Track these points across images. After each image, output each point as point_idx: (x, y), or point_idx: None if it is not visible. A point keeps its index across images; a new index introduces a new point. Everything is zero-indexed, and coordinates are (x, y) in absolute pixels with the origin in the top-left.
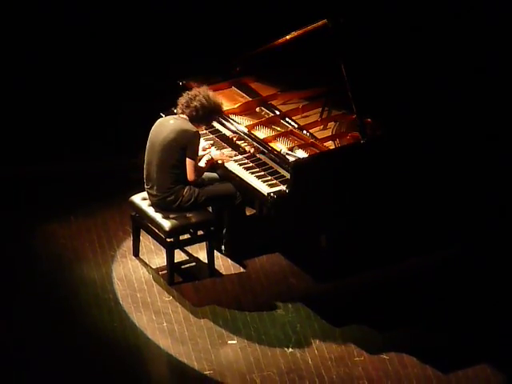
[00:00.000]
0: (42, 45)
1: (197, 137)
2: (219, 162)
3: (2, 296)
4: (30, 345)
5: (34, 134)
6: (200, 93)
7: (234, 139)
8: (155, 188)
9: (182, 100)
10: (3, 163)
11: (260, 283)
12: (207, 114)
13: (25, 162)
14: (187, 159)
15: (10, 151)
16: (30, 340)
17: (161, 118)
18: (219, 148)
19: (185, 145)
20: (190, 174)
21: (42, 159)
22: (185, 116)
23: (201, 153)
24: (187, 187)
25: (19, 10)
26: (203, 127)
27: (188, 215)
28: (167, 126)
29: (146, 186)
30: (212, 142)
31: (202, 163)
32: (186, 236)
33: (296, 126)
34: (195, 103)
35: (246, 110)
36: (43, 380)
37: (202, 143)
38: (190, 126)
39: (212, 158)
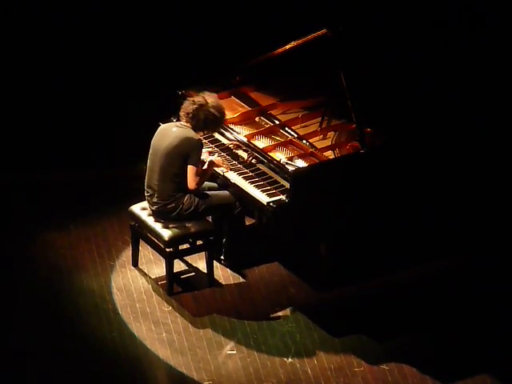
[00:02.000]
0: (43, 54)
1: (200, 145)
2: (219, 167)
3: (0, 305)
4: (28, 354)
5: (34, 142)
6: (207, 102)
7: (234, 149)
8: (156, 195)
9: (188, 108)
10: (3, 171)
11: (259, 293)
12: (214, 125)
13: (24, 170)
14: (188, 166)
15: (9, 159)
16: (29, 349)
17: (163, 125)
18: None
19: (187, 153)
20: (191, 182)
21: (41, 168)
22: (188, 124)
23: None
24: (187, 195)
25: (21, 15)
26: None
27: (187, 225)
28: (170, 133)
29: (145, 194)
30: (211, 151)
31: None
32: (186, 246)
33: (295, 135)
34: (201, 114)
35: (245, 120)
36: None
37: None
38: (193, 134)
39: (212, 161)
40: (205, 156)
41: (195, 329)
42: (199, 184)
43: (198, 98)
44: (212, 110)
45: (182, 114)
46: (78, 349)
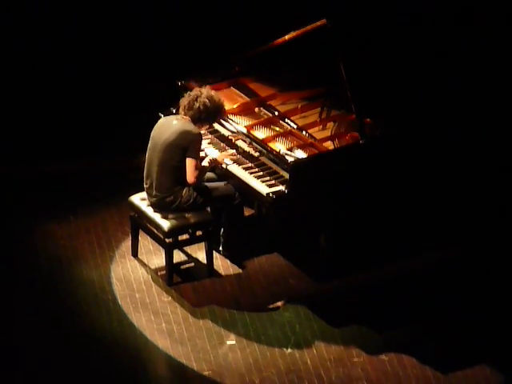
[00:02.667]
0: (44, 45)
1: (199, 138)
2: (223, 165)
3: (0, 296)
4: (29, 345)
5: (34, 134)
6: (202, 93)
7: (233, 140)
8: (154, 188)
9: (185, 101)
10: (3, 163)
11: (259, 284)
12: (210, 115)
13: (24, 161)
14: (187, 159)
15: (9, 151)
16: (29, 340)
17: (163, 118)
18: (219, 149)
19: (186, 146)
20: (190, 175)
21: (41, 159)
22: (187, 117)
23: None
24: (186, 188)
25: (23, 12)
26: (205, 127)
27: (187, 215)
28: (170, 126)
29: (144, 185)
30: (218, 149)
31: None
32: (185, 236)
33: (295, 126)
34: (198, 104)
35: (244, 111)
36: (42, 380)
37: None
38: (192, 128)
39: (213, 159)
40: (208, 150)
41: (195, 319)
42: (198, 178)
43: (194, 91)
44: (208, 99)
45: (180, 108)
46: (78, 339)
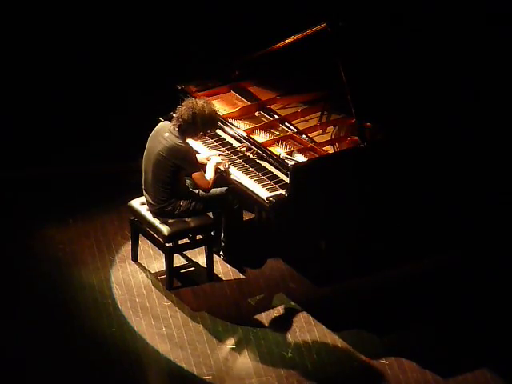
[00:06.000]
0: (42, 47)
1: (189, 151)
2: (220, 167)
3: (0, 300)
4: (29, 349)
5: (33, 137)
6: (196, 109)
7: (238, 147)
8: (152, 198)
9: (177, 115)
10: (2, 166)
11: (259, 288)
12: (201, 129)
13: (23, 165)
14: (192, 175)
15: (8, 154)
16: (29, 344)
17: (160, 125)
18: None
19: (179, 164)
20: (204, 185)
21: (40, 163)
22: (177, 130)
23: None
24: (183, 199)
25: (21, 12)
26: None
27: (187, 220)
28: (163, 138)
29: (144, 193)
30: (218, 152)
31: (210, 173)
32: (185, 240)
33: (295, 130)
34: (190, 119)
35: (244, 114)
36: None
37: (206, 153)
38: (179, 144)
39: (216, 163)
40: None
41: (195, 323)
42: (211, 183)
43: (188, 105)
44: (200, 115)
45: (174, 119)
46: (78, 344)
